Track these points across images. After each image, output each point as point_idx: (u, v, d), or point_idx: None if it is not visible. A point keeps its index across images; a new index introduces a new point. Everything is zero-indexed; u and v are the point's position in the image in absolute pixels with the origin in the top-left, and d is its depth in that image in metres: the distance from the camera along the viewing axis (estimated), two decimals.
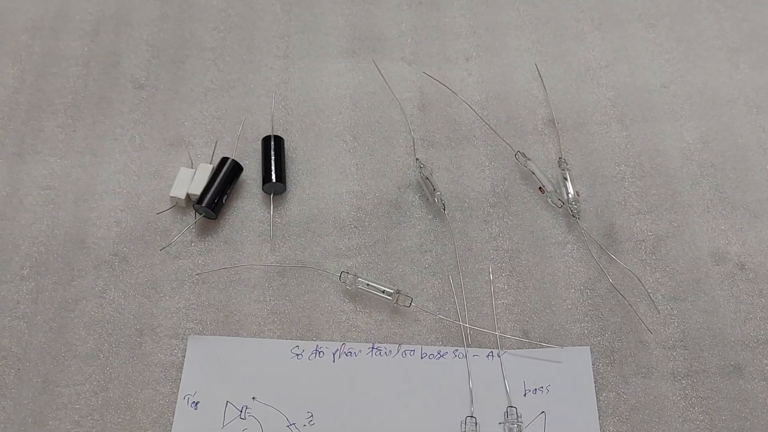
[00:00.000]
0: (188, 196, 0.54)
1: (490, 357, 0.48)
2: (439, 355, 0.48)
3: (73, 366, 0.48)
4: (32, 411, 0.47)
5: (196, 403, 0.47)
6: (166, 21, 0.65)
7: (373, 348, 0.48)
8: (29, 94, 0.61)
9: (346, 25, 0.64)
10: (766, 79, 0.61)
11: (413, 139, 0.57)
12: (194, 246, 0.53)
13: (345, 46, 0.63)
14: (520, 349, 0.49)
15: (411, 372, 0.48)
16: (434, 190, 0.54)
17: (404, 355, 0.48)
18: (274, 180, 0.54)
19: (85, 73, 0.62)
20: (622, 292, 0.50)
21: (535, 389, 0.47)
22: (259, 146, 0.56)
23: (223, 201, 0.54)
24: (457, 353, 0.48)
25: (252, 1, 0.66)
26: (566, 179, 0.55)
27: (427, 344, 0.49)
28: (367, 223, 0.54)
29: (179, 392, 0.47)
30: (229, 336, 0.49)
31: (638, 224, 0.54)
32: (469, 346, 0.48)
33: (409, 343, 0.49)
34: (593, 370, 0.48)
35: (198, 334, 0.49)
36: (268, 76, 0.61)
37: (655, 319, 0.50)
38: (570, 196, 0.54)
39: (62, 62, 0.62)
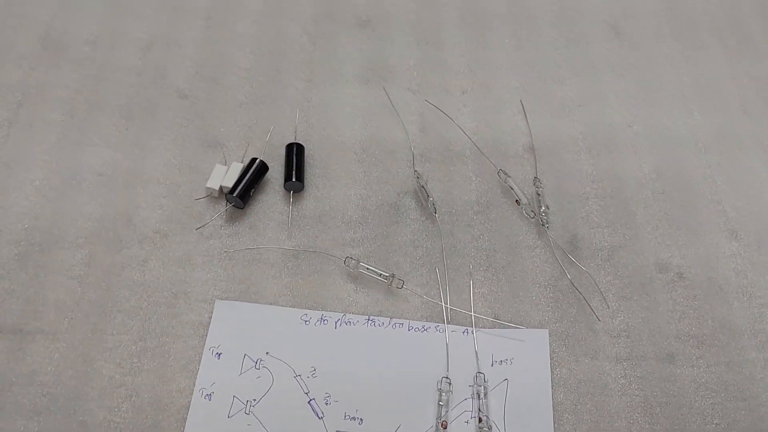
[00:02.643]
0: (221, 188, 0.64)
1: (465, 333, 0.58)
2: (423, 329, 0.58)
3: (117, 318, 0.58)
4: (82, 353, 0.56)
5: (219, 354, 0.56)
6: (208, 42, 0.76)
7: (369, 319, 0.58)
8: (89, 95, 0.71)
9: (361, 57, 0.75)
10: (714, 124, 0.72)
11: (413, 154, 0.68)
12: (224, 229, 0.63)
13: (360, 74, 0.74)
14: (490, 328, 0.58)
15: (399, 341, 0.57)
16: (428, 196, 0.64)
17: (394, 327, 0.58)
18: (294, 179, 0.64)
19: (138, 82, 0.72)
20: (579, 289, 0.60)
21: (501, 361, 0.56)
22: (283, 152, 0.67)
23: (251, 194, 0.64)
24: (438, 328, 0.58)
25: (283, 31, 0.77)
26: (539, 195, 0.65)
27: (414, 320, 0.59)
28: (369, 220, 0.64)
29: (205, 345, 0.57)
30: (249, 302, 0.59)
31: (597, 236, 0.64)
32: (448, 323, 0.58)
33: (399, 318, 0.59)
34: (550, 350, 0.57)
35: (224, 299, 0.59)
36: (293, 95, 0.72)
37: (605, 312, 0.60)
38: (541, 209, 0.64)
39: (118, 72, 0.73)
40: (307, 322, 0.58)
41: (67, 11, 0.78)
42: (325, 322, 0.58)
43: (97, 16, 0.77)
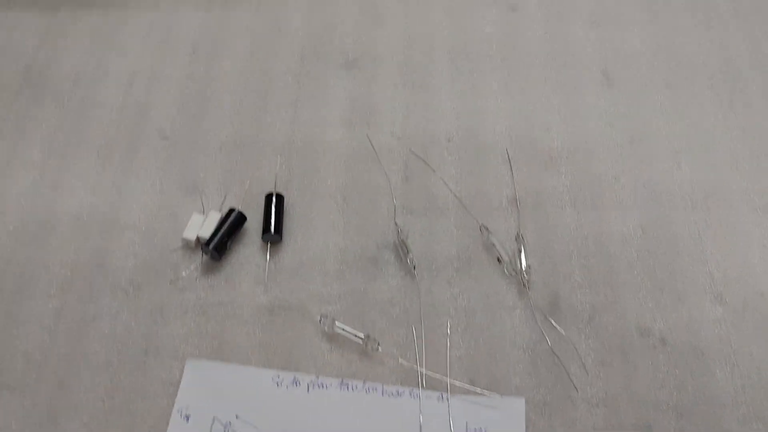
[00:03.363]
0: (198, 238, 0.63)
1: (439, 399, 0.57)
2: (397, 394, 0.57)
3: (85, 374, 0.57)
4: (47, 409, 0.55)
5: (188, 417, 0.55)
6: (192, 80, 0.74)
7: (342, 383, 0.57)
8: (69, 132, 0.70)
9: (346, 98, 0.74)
10: (703, 178, 0.70)
11: (395, 205, 0.67)
12: (199, 282, 0.62)
13: (344, 117, 0.73)
14: (466, 394, 0.57)
15: (373, 407, 0.56)
16: (408, 252, 0.63)
17: (368, 391, 0.57)
18: (272, 232, 0.63)
19: (118, 119, 0.71)
20: (558, 354, 0.59)
21: (476, 429, 0.55)
22: (262, 199, 0.66)
23: (227, 246, 0.63)
24: (412, 393, 0.57)
25: (269, 70, 0.76)
26: (521, 252, 0.64)
27: (388, 384, 0.58)
28: (347, 275, 0.63)
29: (174, 405, 0.56)
30: (221, 361, 0.58)
31: (579, 296, 0.63)
32: (423, 388, 0.57)
33: (373, 381, 0.57)
34: (526, 419, 0.56)
35: (195, 357, 0.58)
36: (276, 137, 0.71)
37: (583, 379, 0.59)
38: (523, 267, 0.63)
39: (99, 108, 0.72)
40: (279, 384, 0.57)
41: (51, 44, 0.76)
42: (298, 384, 0.57)
43: (81, 50, 0.76)
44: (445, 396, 0.57)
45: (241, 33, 0.78)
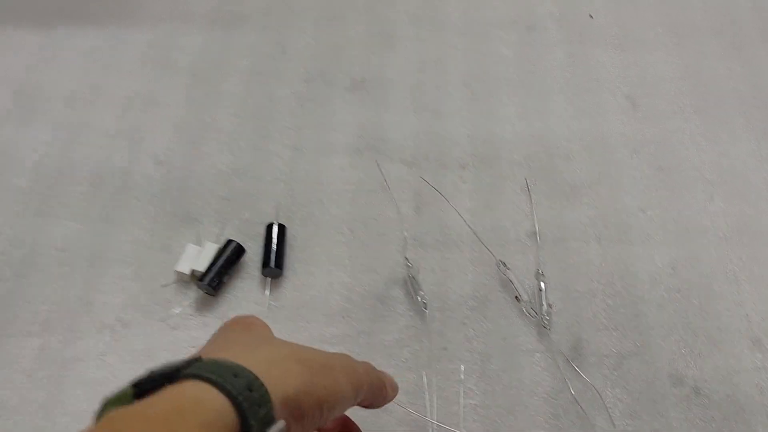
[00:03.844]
0: (192, 272, 0.58)
1: None
2: None
3: (62, 422, 0.52)
4: None
5: None
6: (190, 103, 0.70)
7: None
8: (58, 159, 0.66)
9: (354, 123, 0.70)
10: (738, 212, 0.65)
11: (405, 238, 0.62)
12: (192, 319, 0.57)
13: (351, 143, 0.68)
14: None
15: None
16: (418, 289, 0.58)
17: None
18: (272, 266, 0.58)
19: (111, 144, 0.67)
20: (582, 405, 0.54)
21: None
22: (262, 230, 0.61)
23: (224, 280, 0.58)
24: None
25: (271, 93, 0.71)
26: (542, 290, 0.59)
27: None
28: (353, 315, 0.58)
29: None
30: None
31: (604, 340, 0.58)
32: None
33: None
34: None
35: None
36: (277, 164, 0.66)
37: None
38: (543, 307, 0.58)
39: (92, 133, 0.68)
40: None
41: (45, 65, 0.73)
42: None
43: (76, 71, 0.72)
44: None
45: (244, 54, 0.74)
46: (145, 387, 0.29)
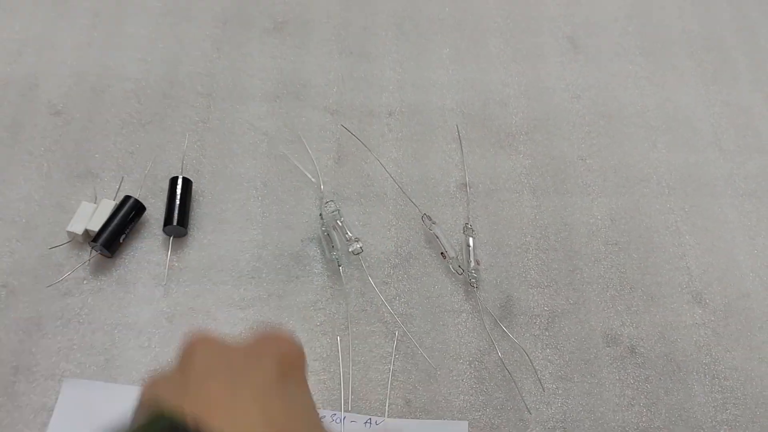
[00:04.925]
0: (86, 231, 0.53)
1: (367, 424, 0.48)
2: None
3: None
4: None
5: None
6: (91, 47, 0.64)
7: None
8: None
9: (273, 67, 0.64)
10: (681, 160, 0.61)
11: (322, 192, 0.57)
12: (86, 284, 0.52)
13: (269, 89, 0.62)
14: (399, 418, 0.48)
15: None
16: (333, 247, 0.53)
17: None
18: (175, 223, 0.53)
19: (2, 94, 0.61)
20: (509, 368, 0.50)
21: None
22: (167, 185, 0.56)
23: (121, 240, 0.53)
24: (335, 417, 0.48)
25: (182, 34, 0.65)
26: (470, 246, 0.54)
27: None
28: (264, 275, 0.53)
29: None
30: (105, 380, 0.48)
31: (535, 298, 0.54)
32: (348, 411, 0.48)
33: None
34: None
35: (75, 376, 0.48)
36: (187, 113, 0.61)
37: (539, 397, 0.50)
38: (471, 264, 0.53)
39: None
40: None
41: None
42: None
43: None
44: (374, 420, 0.48)
45: None
46: None
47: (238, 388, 0.28)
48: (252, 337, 0.32)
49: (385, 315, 0.52)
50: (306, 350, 0.48)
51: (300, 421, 0.29)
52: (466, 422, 0.48)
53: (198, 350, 0.30)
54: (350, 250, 0.53)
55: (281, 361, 0.31)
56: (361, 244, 0.53)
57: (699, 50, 0.69)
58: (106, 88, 0.62)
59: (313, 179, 0.57)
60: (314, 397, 0.47)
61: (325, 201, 0.55)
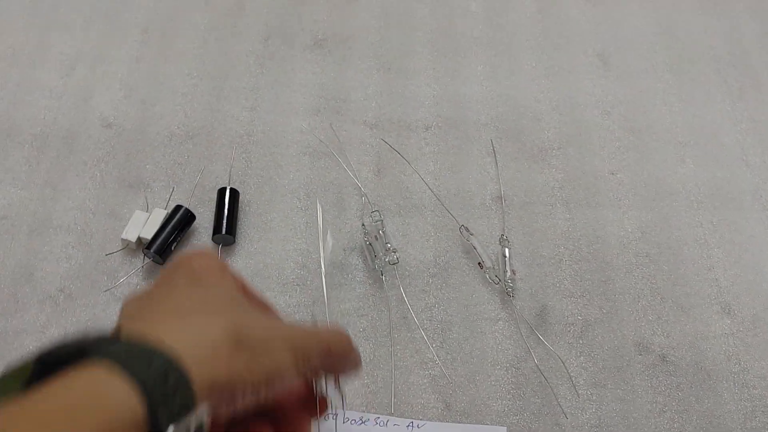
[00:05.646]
0: (139, 239, 0.55)
1: (409, 427, 0.50)
2: (360, 421, 0.50)
3: None
4: None
5: None
6: (141, 62, 0.67)
7: None
8: (1, 120, 0.62)
9: (314, 83, 0.66)
10: (709, 175, 0.63)
11: (363, 203, 0.59)
12: (140, 289, 0.55)
13: (311, 104, 0.65)
14: (440, 422, 0.50)
15: None
16: (375, 256, 0.55)
17: (326, 418, 0.49)
18: (224, 232, 0.56)
19: (57, 105, 0.64)
20: (545, 374, 0.52)
21: None
22: (215, 195, 0.58)
23: (172, 248, 0.55)
24: (378, 420, 0.50)
25: (228, 50, 0.68)
26: (506, 257, 0.57)
27: (352, 408, 0.50)
28: (309, 282, 0.56)
29: None
30: None
31: (569, 307, 0.56)
32: (391, 414, 0.50)
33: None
34: None
35: None
36: (233, 126, 0.63)
37: (574, 403, 0.52)
38: (507, 273, 0.56)
39: (36, 92, 0.64)
40: None
41: None
42: None
43: (18, 27, 0.68)
44: (416, 424, 0.50)
45: (199, 10, 0.71)
46: (51, 361, 0.27)
47: (190, 313, 0.31)
48: (175, 264, 0.36)
49: (426, 322, 0.54)
50: None
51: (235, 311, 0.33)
52: (505, 427, 0.50)
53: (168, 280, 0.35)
54: (387, 260, 0.55)
55: (215, 271, 0.34)
56: (398, 255, 0.55)
57: (725, 67, 0.71)
58: (156, 102, 0.64)
59: (362, 188, 0.59)
60: (358, 400, 0.50)
61: (371, 210, 0.57)
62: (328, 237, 0.54)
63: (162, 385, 0.26)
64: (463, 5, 0.73)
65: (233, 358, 0.30)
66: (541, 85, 0.68)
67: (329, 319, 0.53)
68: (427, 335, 0.54)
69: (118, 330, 0.30)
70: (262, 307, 0.38)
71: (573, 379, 0.52)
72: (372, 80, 0.67)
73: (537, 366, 0.52)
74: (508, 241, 0.58)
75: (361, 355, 0.52)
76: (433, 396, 0.51)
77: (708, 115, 0.67)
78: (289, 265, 0.56)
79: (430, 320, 0.55)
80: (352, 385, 0.51)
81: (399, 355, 0.53)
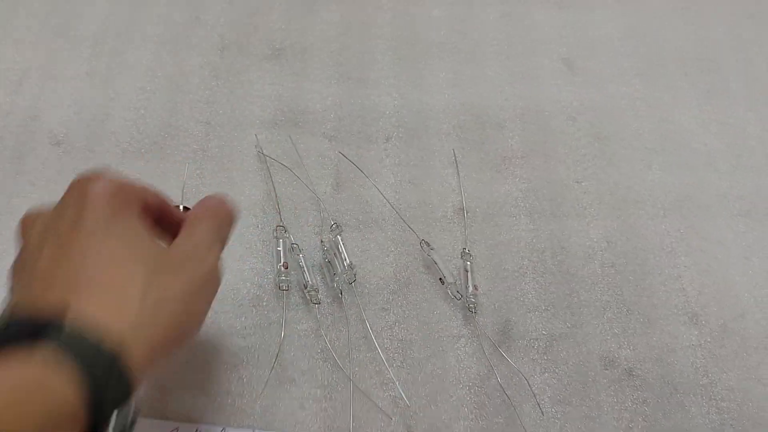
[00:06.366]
0: None
1: None
2: None
3: None
4: None
5: None
6: (92, 76, 0.65)
7: None
8: None
9: (272, 94, 0.65)
10: (677, 181, 0.62)
11: (322, 218, 0.58)
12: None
13: (268, 116, 0.63)
14: None
15: None
16: (334, 273, 0.54)
17: None
18: None
19: (3, 124, 0.61)
20: (508, 392, 0.51)
21: None
22: None
23: None
24: None
25: (181, 62, 0.66)
26: (468, 271, 0.55)
27: None
28: (265, 303, 0.54)
29: None
30: None
31: (534, 322, 0.54)
32: None
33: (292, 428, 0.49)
34: None
35: None
36: (187, 141, 0.61)
37: (538, 421, 0.50)
38: (469, 289, 0.54)
39: None
40: None
41: None
42: None
43: None
44: None
45: (152, 21, 0.69)
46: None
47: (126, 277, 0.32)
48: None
49: (385, 341, 0.53)
50: (308, 377, 0.49)
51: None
52: None
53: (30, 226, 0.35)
54: (345, 278, 0.53)
55: (97, 208, 0.34)
56: (356, 272, 0.54)
57: (694, 70, 0.69)
58: (106, 118, 0.62)
59: (321, 202, 0.58)
60: (317, 426, 0.48)
61: (330, 225, 0.55)
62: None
63: (107, 374, 0.26)
64: (425, 12, 0.72)
65: (171, 324, 0.31)
66: (505, 92, 0.67)
67: (284, 337, 0.52)
68: (386, 355, 0.52)
69: (26, 288, 0.29)
70: (169, 229, 0.39)
71: (537, 396, 0.51)
72: (331, 90, 0.65)
73: (500, 384, 0.51)
74: (471, 255, 0.56)
75: (320, 376, 0.51)
76: (394, 419, 0.50)
77: (676, 119, 0.66)
78: (245, 285, 0.55)
79: (390, 339, 0.53)
80: (310, 409, 0.50)
81: (358, 376, 0.51)
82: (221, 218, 0.40)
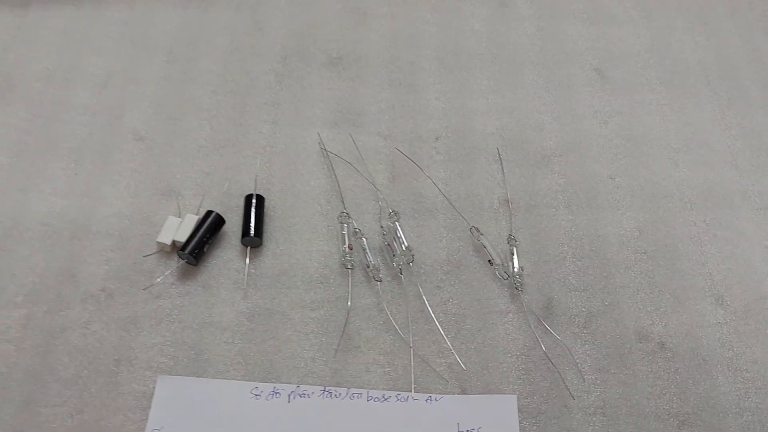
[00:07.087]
0: (174, 242, 0.60)
1: (428, 401, 0.54)
2: (383, 398, 0.54)
3: (53, 389, 0.53)
4: (12, 427, 0.52)
5: None
6: (168, 81, 0.71)
7: (324, 391, 0.54)
8: (38, 136, 0.67)
9: (331, 98, 0.71)
10: (701, 178, 0.68)
11: (380, 207, 0.64)
12: (174, 288, 0.59)
13: (328, 117, 0.70)
14: (456, 394, 0.54)
15: (357, 413, 0.53)
16: (393, 255, 0.60)
17: (352, 398, 0.53)
18: (252, 234, 0.60)
19: (91, 122, 0.68)
20: (552, 360, 0.56)
21: (468, 430, 0.52)
22: (242, 202, 0.63)
23: (204, 250, 0.59)
24: (399, 397, 0.54)
25: (248, 69, 0.73)
26: (513, 255, 0.61)
27: (374, 389, 0.54)
28: (331, 280, 0.60)
29: (147, 426, 0.52)
30: (196, 374, 0.55)
31: (574, 300, 0.60)
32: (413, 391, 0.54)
33: (358, 388, 0.54)
34: (520, 427, 0.53)
35: (170, 369, 0.55)
36: (256, 138, 0.68)
37: (580, 386, 0.56)
38: (515, 270, 0.60)
39: (71, 110, 0.69)
40: (258, 396, 0.54)
41: (20, 43, 0.73)
42: (278, 395, 0.54)
43: (51, 50, 0.73)
44: (433, 398, 0.54)
45: (220, 32, 0.76)
46: None
47: None
48: None
49: (440, 315, 0.59)
50: (372, 345, 0.55)
51: None
52: (514, 395, 0.54)
53: None
54: (404, 259, 0.59)
55: None
56: (413, 253, 0.60)
57: (714, 80, 0.76)
58: (183, 117, 0.69)
59: (379, 192, 0.64)
60: (382, 385, 0.54)
61: (388, 212, 0.61)
62: None
63: None
64: (467, 25, 0.78)
65: None
66: (542, 97, 0.73)
67: (350, 309, 0.57)
68: (442, 327, 0.58)
69: None
70: None
71: (579, 365, 0.57)
72: (384, 95, 0.72)
73: (545, 353, 0.57)
74: (516, 240, 0.62)
75: (383, 345, 0.56)
76: (450, 382, 0.55)
77: (699, 123, 0.72)
78: (313, 264, 0.61)
79: (444, 313, 0.59)
80: (375, 372, 0.55)
81: (417, 345, 0.57)
82: None
